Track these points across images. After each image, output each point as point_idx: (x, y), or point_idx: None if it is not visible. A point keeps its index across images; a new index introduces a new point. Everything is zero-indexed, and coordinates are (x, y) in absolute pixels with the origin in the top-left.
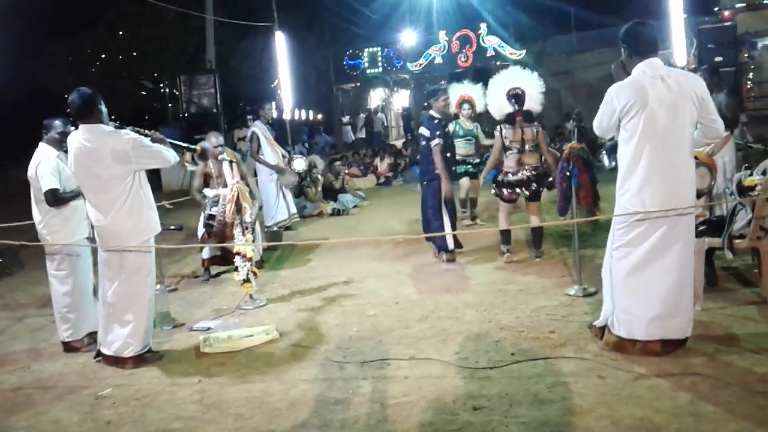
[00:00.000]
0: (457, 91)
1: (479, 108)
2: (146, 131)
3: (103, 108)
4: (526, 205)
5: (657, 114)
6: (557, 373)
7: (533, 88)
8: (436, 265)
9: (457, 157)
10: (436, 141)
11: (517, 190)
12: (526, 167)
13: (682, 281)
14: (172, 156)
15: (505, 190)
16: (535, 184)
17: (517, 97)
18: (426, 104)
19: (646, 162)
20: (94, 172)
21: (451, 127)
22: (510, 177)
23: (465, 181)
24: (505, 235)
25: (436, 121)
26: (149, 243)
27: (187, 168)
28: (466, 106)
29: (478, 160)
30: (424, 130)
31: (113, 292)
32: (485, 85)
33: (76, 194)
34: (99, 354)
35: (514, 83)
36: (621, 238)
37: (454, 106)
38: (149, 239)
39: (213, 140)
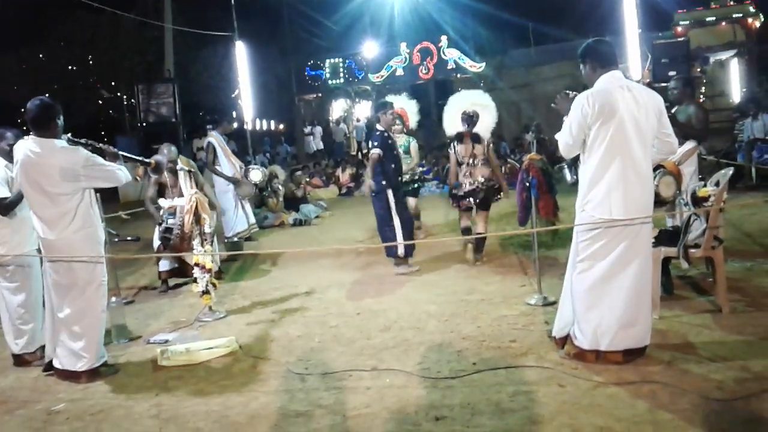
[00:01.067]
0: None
1: (412, 124)
2: (100, 145)
3: (61, 122)
4: (476, 213)
5: (626, 123)
6: (519, 382)
7: (489, 117)
8: (397, 276)
9: None
10: (373, 150)
11: (470, 199)
12: (479, 178)
13: (642, 290)
14: (124, 175)
15: (460, 201)
16: (483, 194)
17: (469, 119)
18: (361, 118)
19: (613, 170)
20: (41, 187)
21: None
22: (463, 188)
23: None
24: (466, 231)
25: (378, 133)
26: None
27: (140, 182)
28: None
29: (416, 177)
30: (371, 143)
31: (64, 305)
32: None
33: (21, 196)
34: (49, 367)
35: (473, 105)
36: (585, 250)
37: None
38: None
39: (165, 152)
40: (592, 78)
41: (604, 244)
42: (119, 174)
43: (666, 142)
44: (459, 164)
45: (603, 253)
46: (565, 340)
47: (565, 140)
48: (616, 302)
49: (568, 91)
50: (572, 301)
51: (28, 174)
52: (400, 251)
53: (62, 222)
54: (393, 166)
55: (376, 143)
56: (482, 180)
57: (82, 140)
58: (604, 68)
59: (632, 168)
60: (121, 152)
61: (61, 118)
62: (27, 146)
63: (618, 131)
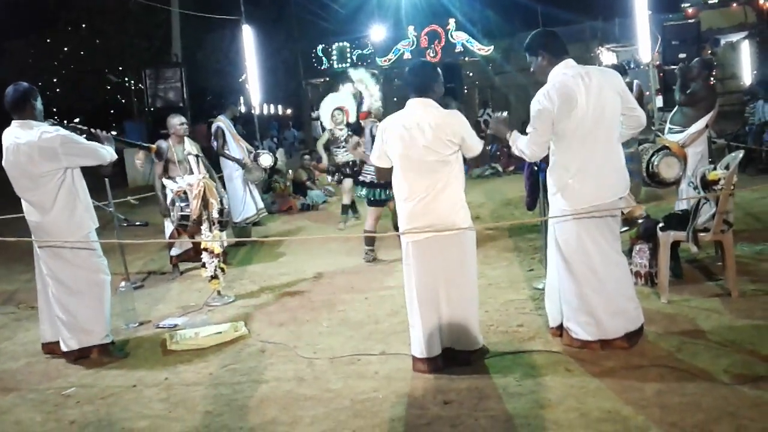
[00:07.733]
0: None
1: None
2: (93, 129)
3: (38, 105)
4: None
5: (586, 111)
6: (526, 366)
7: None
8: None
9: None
10: None
11: None
12: None
13: (624, 270)
14: (107, 153)
15: None
16: None
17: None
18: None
19: (582, 160)
20: (24, 169)
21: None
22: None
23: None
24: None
25: None
26: (89, 237)
27: (138, 167)
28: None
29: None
30: None
31: (57, 285)
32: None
33: None
34: (49, 349)
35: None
36: (567, 242)
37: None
38: (89, 233)
39: (174, 121)
40: (545, 70)
41: (583, 233)
42: (101, 152)
43: (632, 116)
44: None
45: (584, 242)
46: (560, 328)
47: (532, 149)
48: (609, 289)
49: (499, 114)
50: (561, 299)
51: (13, 159)
52: None
53: (45, 204)
54: None
55: None
56: None
57: (71, 124)
58: (558, 59)
59: (600, 154)
60: (118, 137)
61: (39, 101)
62: (12, 132)
63: (581, 121)
